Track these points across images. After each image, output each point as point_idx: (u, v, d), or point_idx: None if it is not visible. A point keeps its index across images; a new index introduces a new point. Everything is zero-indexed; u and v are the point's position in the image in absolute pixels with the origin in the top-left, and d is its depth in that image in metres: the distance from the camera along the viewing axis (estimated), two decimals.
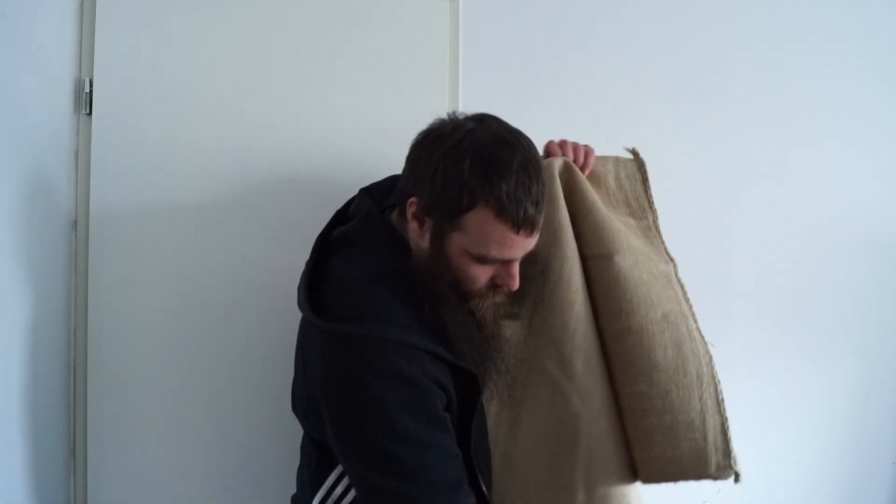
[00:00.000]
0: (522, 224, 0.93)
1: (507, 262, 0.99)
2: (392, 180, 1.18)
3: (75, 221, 1.42)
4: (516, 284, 1.00)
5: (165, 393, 1.44)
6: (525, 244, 0.97)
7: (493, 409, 1.12)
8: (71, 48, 1.40)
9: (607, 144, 1.69)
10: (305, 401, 1.07)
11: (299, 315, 1.11)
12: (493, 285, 1.01)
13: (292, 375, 1.18)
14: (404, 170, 1.04)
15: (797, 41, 1.82)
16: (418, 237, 1.01)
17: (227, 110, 1.47)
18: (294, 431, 1.21)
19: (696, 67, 1.75)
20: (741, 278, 1.78)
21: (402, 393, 0.94)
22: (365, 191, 1.18)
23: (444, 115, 1.03)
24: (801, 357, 1.82)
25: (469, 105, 1.53)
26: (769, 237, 1.80)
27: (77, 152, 1.42)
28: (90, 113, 1.41)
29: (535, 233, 0.97)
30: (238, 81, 1.48)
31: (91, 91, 1.41)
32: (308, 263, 1.13)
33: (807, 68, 1.83)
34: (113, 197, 1.42)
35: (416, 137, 1.03)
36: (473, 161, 0.93)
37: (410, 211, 1.00)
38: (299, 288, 1.08)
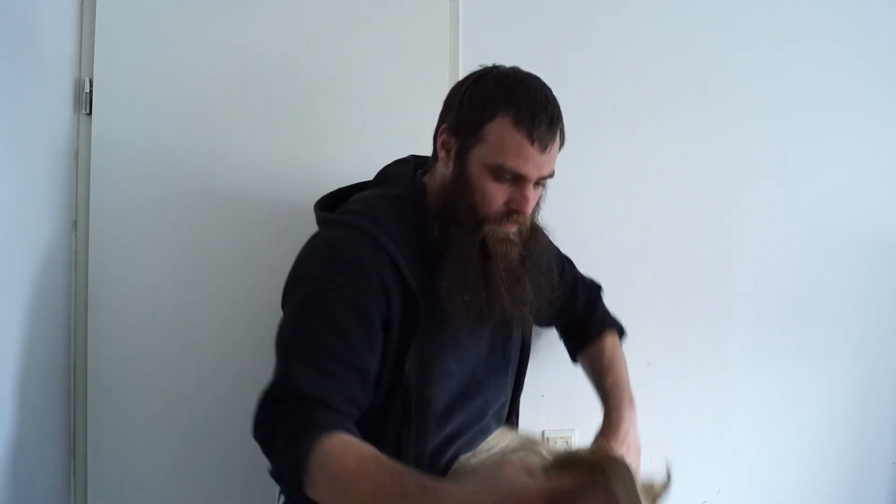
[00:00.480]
0: (536, 135, 1.00)
1: (522, 182, 1.02)
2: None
3: (75, 221, 1.42)
4: (529, 207, 1.04)
5: (165, 393, 1.44)
6: (538, 161, 1.01)
7: None
8: (71, 48, 1.39)
9: (608, 144, 1.70)
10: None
11: None
12: (509, 212, 1.03)
13: None
14: (440, 114, 1.12)
15: (797, 41, 1.82)
16: (444, 166, 1.08)
17: (228, 110, 1.47)
18: None
19: (695, 67, 1.75)
20: (741, 278, 1.78)
21: (346, 276, 0.99)
22: (412, 155, 1.25)
23: None
24: (802, 357, 1.82)
25: None
26: (769, 237, 1.80)
27: (77, 152, 1.42)
28: (90, 113, 1.41)
29: (548, 151, 1.02)
30: (238, 81, 1.48)
31: (91, 91, 1.41)
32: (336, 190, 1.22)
33: (807, 68, 1.82)
34: (113, 197, 1.42)
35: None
36: (498, 81, 1.04)
37: (441, 139, 1.08)
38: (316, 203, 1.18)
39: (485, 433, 1.19)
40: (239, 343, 1.46)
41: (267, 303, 1.44)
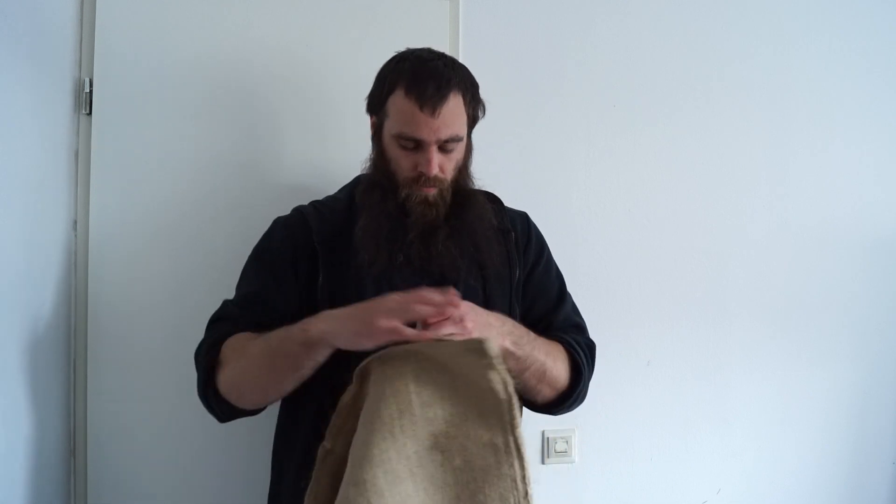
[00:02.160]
0: (424, 101, 1.08)
1: (423, 146, 1.11)
2: None
3: (75, 221, 1.42)
4: (433, 168, 1.11)
5: (165, 393, 1.44)
6: (431, 125, 1.09)
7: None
8: (71, 48, 1.40)
9: (607, 144, 1.70)
10: None
11: None
12: (419, 175, 1.12)
13: None
14: None
15: (797, 41, 1.82)
16: (373, 145, 1.20)
17: (227, 110, 1.48)
18: None
19: (696, 67, 1.75)
20: (741, 278, 1.78)
21: (265, 243, 1.23)
22: None
23: None
24: (801, 357, 1.82)
25: None
26: (769, 237, 1.80)
27: (77, 152, 1.42)
28: (90, 113, 1.41)
29: (438, 115, 1.09)
30: (237, 82, 1.48)
31: (91, 91, 1.41)
32: None
33: (807, 70, 1.82)
34: (113, 197, 1.42)
35: None
36: (399, 59, 1.15)
37: (370, 123, 1.20)
38: None
39: None
40: None
41: None
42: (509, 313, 1.18)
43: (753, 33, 1.79)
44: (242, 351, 1.06)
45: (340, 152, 1.52)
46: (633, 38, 1.71)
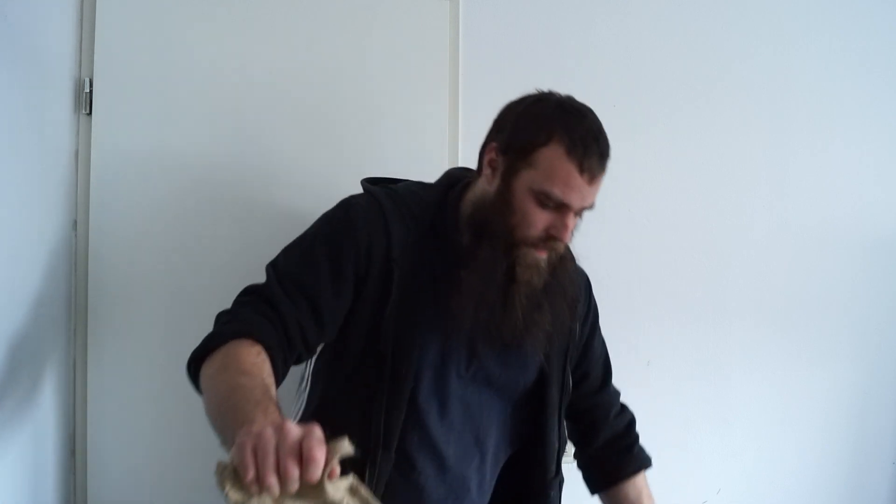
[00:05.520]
0: (586, 167, 1.01)
1: (564, 211, 1.03)
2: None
3: (75, 221, 1.42)
4: (568, 237, 1.05)
5: (165, 392, 1.44)
6: (583, 192, 1.02)
7: None
8: (71, 48, 1.40)
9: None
10: None
11: None
12: (547, 238, 1.04)
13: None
14: (489, 131, 1.12)
15: (797, 41, 1.82)
16: (488, 183, 1.08)
17: (227, 110, 1.48)
18: None
19: (696, 67, 1.75)
20: (741, 278, 1.78)
21: (338, 228, 1.08)
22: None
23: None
24: (802, 357, 1.82)
25: (469, 105, 1.53)
26: (769, 238, 1.80)
27: (77, 152, 1.42)
28: (90, 113, 1.41)
29: (595, 184, 1.04)
30: (238, 81, 1.48)
31: (91, 91, 1.41)
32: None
33: (807, 69, 1.82)
34: (113, 197, 1.42)
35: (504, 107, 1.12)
36: (557, 105, 1.06)
37: (489, 157, 1.08)
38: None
39: (467, 475, 1.13)
40: None
41: None
42: (563, 385, 1.19)
43: (753, 33, 1.79)
44: (218, 375, 0.93)
45: (339, 151, 1.52)
46: (633, 38, 1.71)
